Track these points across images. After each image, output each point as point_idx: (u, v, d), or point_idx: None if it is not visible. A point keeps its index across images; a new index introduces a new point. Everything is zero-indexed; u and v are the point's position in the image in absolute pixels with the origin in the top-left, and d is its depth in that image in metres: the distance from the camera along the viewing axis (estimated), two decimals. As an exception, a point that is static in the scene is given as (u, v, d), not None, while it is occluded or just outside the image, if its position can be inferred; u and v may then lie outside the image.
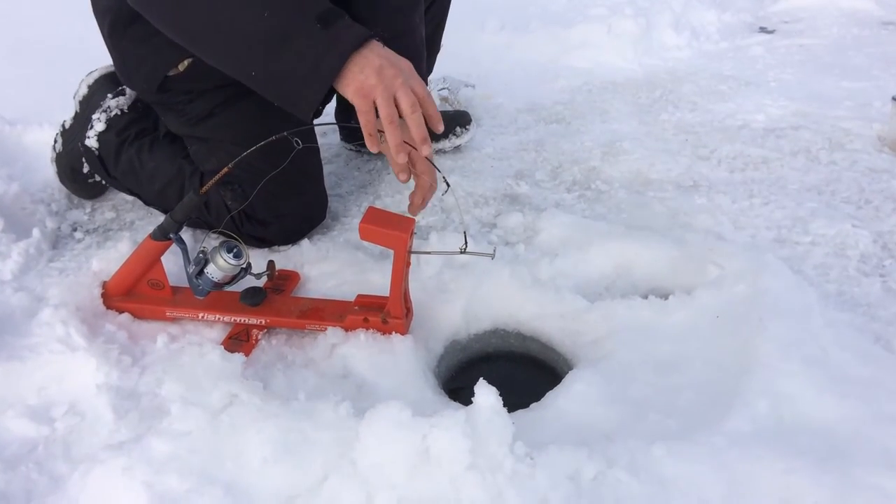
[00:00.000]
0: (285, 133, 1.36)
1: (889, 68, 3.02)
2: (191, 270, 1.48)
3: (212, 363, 1.34)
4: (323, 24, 1.31)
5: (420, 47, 1.88)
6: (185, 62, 1.71)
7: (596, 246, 1.77)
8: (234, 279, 1.50)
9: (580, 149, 2.39)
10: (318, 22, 1.30)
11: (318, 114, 1.61)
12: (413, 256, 1.48)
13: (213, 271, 1.46)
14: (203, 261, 1.47)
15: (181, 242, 1.49)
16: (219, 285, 1.49)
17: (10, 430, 1.32)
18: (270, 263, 1.56)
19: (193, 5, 1.39)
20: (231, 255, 1.45)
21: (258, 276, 1.53)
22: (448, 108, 2.55)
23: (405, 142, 1.34)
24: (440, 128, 1.33)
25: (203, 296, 1.52)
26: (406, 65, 1.32)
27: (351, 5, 1.54)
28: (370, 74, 1.28)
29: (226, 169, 1.39)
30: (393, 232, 1.42)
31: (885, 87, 2.77)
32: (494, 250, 1.47)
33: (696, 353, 1.46)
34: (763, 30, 3.65)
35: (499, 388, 1.18)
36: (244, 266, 1.48)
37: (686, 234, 1.83)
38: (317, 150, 1.94)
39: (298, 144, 1.38)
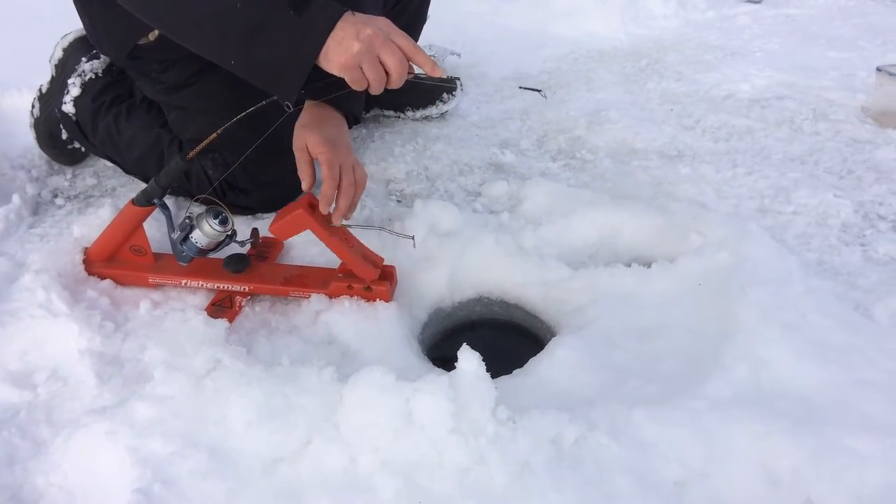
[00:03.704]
0: (275, 97, 1.35)
1: (874, 39, 3.02)
2: (175, 236, 1.47)
3: (195, 329, 1.34)
4: (296, 10, 1.28)
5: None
6: (156, 32, 1.67)
7: (580, 214, 1.78)
8: (218, 246, 1.49)
9: (565, 118, 2.38)
10: (291, 8, 1.28)
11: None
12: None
13: (199, 237, 1.45)
14: (189, 227, 1.46)
15: (165, 208, 1.48)
16: (203, 252, 1.48)
17: (-7, 395, 1.32)
18: (254, 231, 1.55)
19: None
20: (217, 221, 1.44)
21: (242, 243, 1.53)
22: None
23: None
24: (437, 71, 1.31)
25: (187, 262, 1.51)
26: (383, 23, 1.30)
27: None
28: (350, 44, 1.26)
29: (213, 136, 1.38)
30: (292, 214, 1.46)
31: (870, 57, 2.77)
32: (414, 237, 1.53)
33: (677, 320, 1.47)
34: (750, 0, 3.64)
35: (483, 355, 1.19)
36: (229, 233, 1.47)
37: (670, 203, 1.84)
38: (295, 115, 1.92)
39: (289, 108, 1.37)
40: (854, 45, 2.95)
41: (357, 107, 1.75)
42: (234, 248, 1.54)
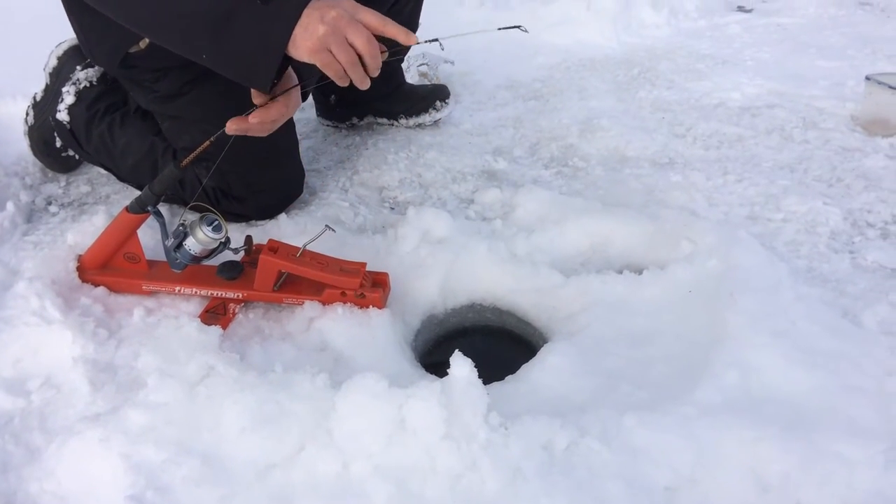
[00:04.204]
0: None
1: (864, 48, 3.05)
2: (169, 243, 1.48)
3: (188, 335, 1.35)
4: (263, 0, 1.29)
5: None
6: (147, 39, 1.66)
7: (572, 222, 1.79)
8: (212, 253, 1.49)
9: (558, 126, 2.40)
10: None
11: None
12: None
13: (192, 245, 1.46)
14: (182, 234, 1.46)
15: (159, 215, 1.49)
16: (197, 259, 1.49)
17: (-15, 402, 1.32)
18: (248, 238, 1.56)
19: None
20: (211, 228, 1.45)
21: (236, 250, 1.53)
22: (426, 83, 2.55)
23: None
24: (412, 39, 1.28)
25: (180, 269, 1.51)
26: (348, 4, 1.28)
27: None
28: (315, 28, 1.25)
29: (207, 143, 1.39)
30: (259, 262, 1.50)
31: (859, 66, 2.80)
32: (326, 227, 1.53)
33: (668, 326, 1.48)
34: (741, 9, 3.67)
35: (475, 361, 1.19)
36: (223, 240, 1.48)
37: (661, 211, 1.85)
38: (292, 124, 1.93)
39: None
40: (844, 55, 2.98)
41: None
42: (228, 256, 1.55)
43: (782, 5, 3.70)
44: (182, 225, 1.47)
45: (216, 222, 1.46)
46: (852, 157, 2.16)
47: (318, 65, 1.29)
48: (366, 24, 1.26)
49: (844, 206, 1.91)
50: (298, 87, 1.45)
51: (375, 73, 1.30)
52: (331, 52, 1.26)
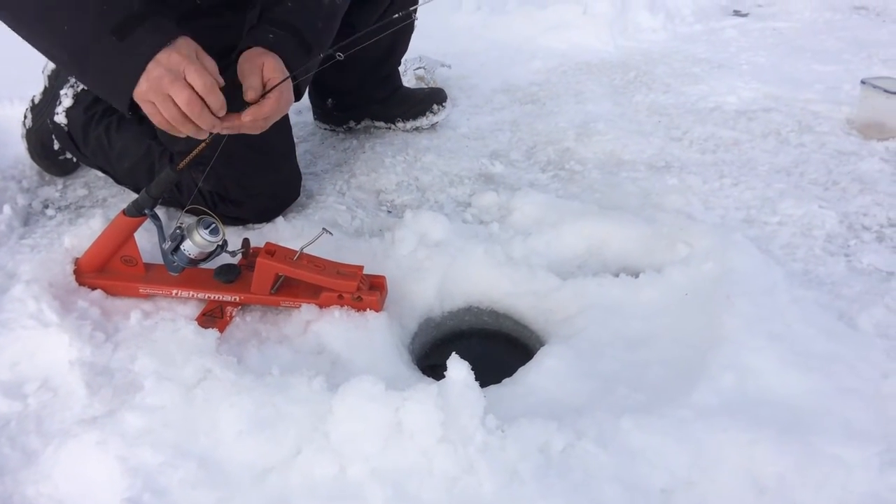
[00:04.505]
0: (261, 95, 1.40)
1: (859, 52, 3.06)
2: (166, 246, 1.48)
3: (185, 338, 1.34)
4: (119, 36, 1.29)
5: None
6: None
7: (569, 225, 1.79)
8: (209, 256, 1.50)
9: (554, 129, 2.41)
10: (114, 34, 1.28)
11: None
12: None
13: (189, 247, 1.46)
14: (179, 237, 1.46)
15: (156, 218, 1.49)
16: (194, 262, 1.49)
17: (-18, 405, 1.32)
18: (245, 241, 1.56)
19: (17, 19, 1.34)
20: (208, 231, 1.45)
21: (233, 253, 1.53)
22: (423, 86, 2.56)
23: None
24: (221, 112, 1.33)
25: (178, 272, 1.52)
26: (175, 60, 1.29)
27: None
28: (142, 83, 1.29)
29: (202, 145, 1.39)
30: (257, 266, 1.50)
31: (855, 70, 2.81)
32: (323, 230, 1.54)
33: (664, 329, 1.49)
34: (737, 13, 3.68)
35: (472, 365, 1.20)
36: (220, 243, 1.48)
37: (657, 214, 1.86)
38: (288, 127, 1.93)
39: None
40: (839, 59, 2.99)
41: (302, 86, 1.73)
42: (225, 258, 1.55)
43: (778, 10, 3.71)
44: (179, 228, 1.47)
45: (213, 225, 1.46)
46: (848, 160, 2.17)
47: (144, 111, 1.32)
48: (191, 83, 1.29)
49: (840, 209, 1.92)
50: (290, 84, 1.45)
51: (208, 128, 1.34)
52: (154, 104, 1.30)
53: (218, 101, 1.32)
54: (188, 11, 1.63)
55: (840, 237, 1.82)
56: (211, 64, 1.34)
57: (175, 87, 1.28)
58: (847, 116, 2.42)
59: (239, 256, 1.56)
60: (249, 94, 1.41)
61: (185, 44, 1.32)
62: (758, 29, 3.43)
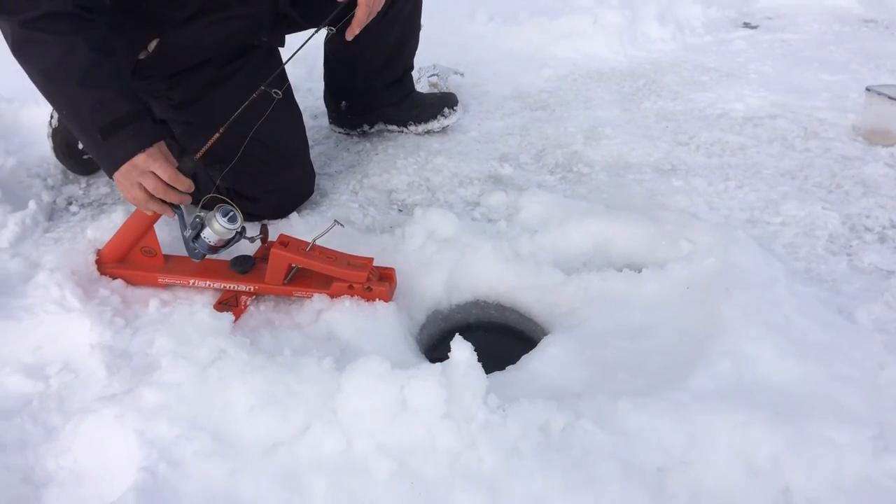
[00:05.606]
0: (262, 87, 1.52)
1: (867, 62, 3.09)
2: (187, 234, 1.54)
3: (201, 321, 1.40)
4: (103, 135, 1.49)
5: None
6: (154, 42, 1.75)
7: (575, 223, 1.84)
8: (229, 243, 1.55)
9: (563, 134, 2.45)
10: (100, 133, 1.49)
11: None
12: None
13: (209, 235, 1.52)
14: (199, 225, 1.53)
15: (178, 207, 1.55)
16: (214, 248, 1.55)
17: (6, 385, 1.38)
18: (263, 227, 1.62)
19: (35, 72, 1.51)
20: (226, 219, 1.51)
21: (252, 239, 1.59)
22: (436, 91, 2.62)
23: None
24: (190, 189, 1.53)
25: (199, 259, 1.57)
26: (143, 160, 1.49)
27: None
28: (117, 174, 1.51)
29: (218, 133, 1.47)
30: (271, 255, 1.56)
31: (862, 80, 2.83)
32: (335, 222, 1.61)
33: (666, 321, 1.52)
34: (747, 25, 3.72)
35: (479, 357, 1.24)
36: (239, 230, 1.54)
37: (662, 213, 1.90)
38: (302, 126, 2.00)
39: (278, 95, 1.55)
40: (847, 68, 3.02)
41: None
42: (243, 248, 1.61)
43: (787, 22, 3.75)
44: (199, 216, 1.53)
45: (231, 213, 1.52)
46: (852, 164, 2.20)
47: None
48: (159, 175, 1.50)
49: (843, 210, 1.95)
50: None
51: (177, 202, 1.54)
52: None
53: (184, 184, 1.52)
54: (200, 7, 1.71)
55: (842, 237, 1.85)
56: (173, 163, 1.54)
57: (143, 178, 1.50)
58: (853, 123, 2.45)
59: (258, 242, 1.61)
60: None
61: (158, 149, 1.52)
62: (767, 40, 3.46)
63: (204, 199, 1.53)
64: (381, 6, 1.78)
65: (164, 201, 1.53)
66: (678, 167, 2.22)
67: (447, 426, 1.16)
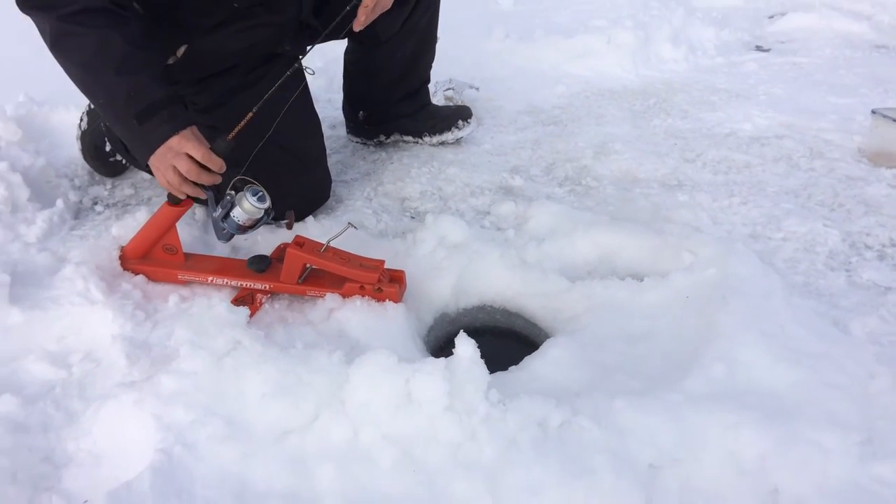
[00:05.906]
0: (287, 73, 1.62)
1: (876, 87, 3.13)
2: (217, 214, 1.61)
3: (218, 314, 1.46)
4: (139, 121, 1.57)
5: None
6: (182, 48, 1.83)
7: (582, 233, 1.89)
8: (257, 223, 1.61)
9: (574, 148, 2.52)
10: (136, 118, 1.57)
11: None
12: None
13: (239, 214, 1.58)
14: (230, 204, 1.59)
15: (208, 189, 1.62)
16: (243, 228, 1.61)
17: (30, 371, 1.45)
18: (290, 214, 1.67)
19: (71, 65, 1.60)
20: (256, 198, 1.58)
21: (279, 223, 1.65)
22: (450, 104, 2.69)
23: None
24: (222, 170, 1.59)
25: (227, 239, 1.65)
26: (177, 142, 1.56)
27: None
28: (153, 157, 1.58)
29: (250, 114, 1.57)
30: (286, 255, 1.63)
31: (870, 103, 2.86)
32: (349, 224, 1.67)
33: (664, 327, 1.57)
34: (759, 48, 3.78)
35: (484, 360, 1.30)
36: (267, 209, 1.60)
37: (666, 226, 1.94)
38: (321, 134, 2.07)
39: (312, 72, 1.76)
40: (856, 92, 3.06)
41: None
42: (261, 247, 1.67)
43: (800, 46, 3.80)
44: (229, 195, 1.60)
45: (260, 193, 1.59)
46: (855, 184, 2.24)
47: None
48: (191, 156, 1.56)
49: (844, 228, 1.99)
50: None
51: (210, 183, 1.60)
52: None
53: (216, 163, 1.58)
54: (227, 16, 1.79)
55: (842, 254, 1.89)
56: (206, 144, 1.60)
57: (177, 160, 1.56)
58: (858, 145, 2.49)
59: (283, 227, 1.66)
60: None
61: (191, 131, 1.59)
62: (778, 63, 3.51)
63: (234, 180, 1.60)
64: (389, 4, 1.85)
65: (196, 184, 1.59)
66: (684, 183, 2.27)
67: (449, 418, 1.21)
